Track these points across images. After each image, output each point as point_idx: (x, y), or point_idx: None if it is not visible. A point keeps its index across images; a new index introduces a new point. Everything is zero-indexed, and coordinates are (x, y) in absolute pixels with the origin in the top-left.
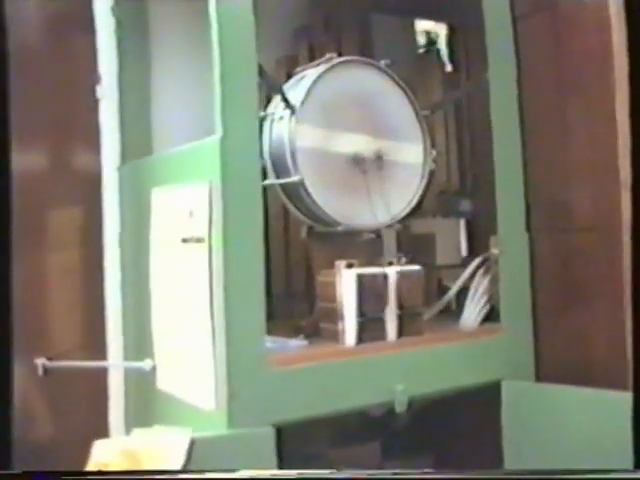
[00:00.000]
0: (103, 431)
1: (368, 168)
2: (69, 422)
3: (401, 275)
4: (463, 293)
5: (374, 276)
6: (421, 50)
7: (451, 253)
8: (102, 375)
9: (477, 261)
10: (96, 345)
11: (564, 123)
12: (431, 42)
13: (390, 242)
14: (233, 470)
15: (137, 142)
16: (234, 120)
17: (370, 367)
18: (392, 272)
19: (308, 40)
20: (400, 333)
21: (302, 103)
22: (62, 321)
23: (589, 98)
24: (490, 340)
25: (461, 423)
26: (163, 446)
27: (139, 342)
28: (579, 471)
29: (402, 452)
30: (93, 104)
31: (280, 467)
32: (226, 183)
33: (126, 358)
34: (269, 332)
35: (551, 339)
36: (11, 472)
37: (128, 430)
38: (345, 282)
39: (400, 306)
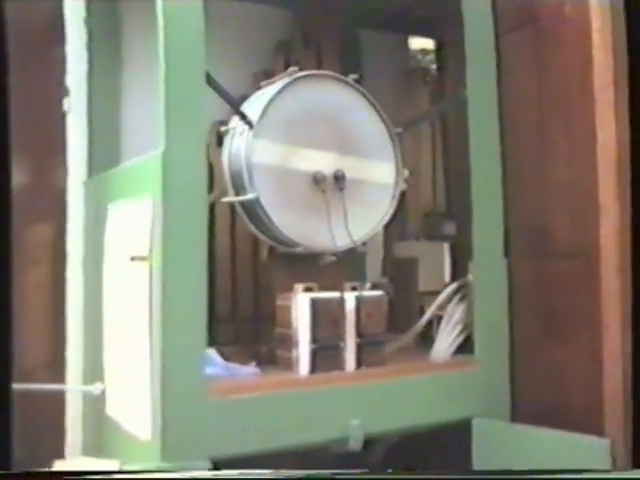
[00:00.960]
0: (61, 453)
1: (330, 187)
2: (28, 441)
3: (361, 301)
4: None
5: (329, 301)
6: (409, 66)
7: (434, 278)
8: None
9: (452, 287)
10: (62, 364)
11: (544, 142)
12: (420, 58)
13: (369, 264)
14: None
15: (105, 155)
16: (177, 133)
17: (323, 399)
18: (350, 297)
19: (286, 55)
20: (359, 363)
21: (260, 118)
22: (29, 339)
23: (569, 116)
24: (462, 373)
25: (438, 460)
26: None
27: (96, 364)
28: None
29: None
30: (61, 117)
31: None
32: (168, 199)
33: (85, 380)
34: (231, 358)
35: (527, 375)
36: (11, 472)
37: (86, 454)
38: (299, 306)
39: (359, 334)
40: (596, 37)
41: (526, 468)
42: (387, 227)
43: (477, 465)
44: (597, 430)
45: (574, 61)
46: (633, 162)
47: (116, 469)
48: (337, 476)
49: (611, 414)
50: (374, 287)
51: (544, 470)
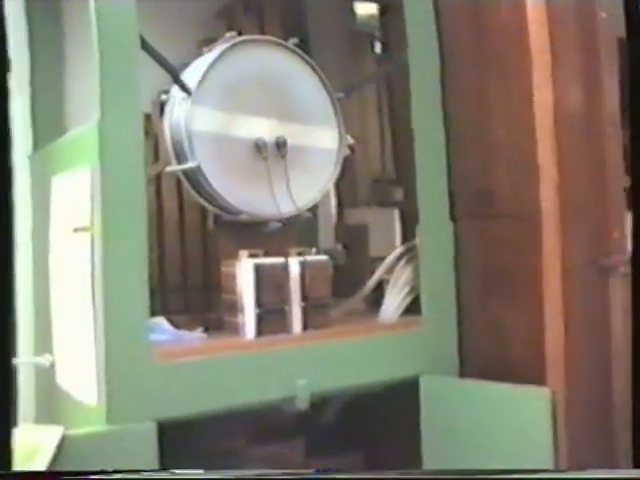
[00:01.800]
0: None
1: (272, 154)
2: None
3: (305, 266)
4: None
5: (273, 266)
6: (355, 31)
7: (385, 244)
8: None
9: (398, 251)
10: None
11: (484, 105)
12: (365, 23)
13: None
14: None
15: (49, 128)
16: (112, 101)
17: (269, 361)
18: (294, 262)
19: (228, 22)
20: (305, 326)
21: (198, 85)
22: None
23: (507, 78)
24: (410, 333)
25: (390, 418)
26: (30, 444)
27: (46, 336)
28: None
29: (328, 449)
30: None
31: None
32: (105, 169)
33: (37, 351)
34: (181, 326)
35: (473, 332)
36: (11, 472)
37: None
38: (244, 273)
39: (304, 298)
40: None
41: (473, 421)
42: (338, 194)
43: (425, 420)
44: (539, 381)
45: (510, 21)
46: (634, 162)
47: (60, 435)
48: (339, 476)
49: (552, 366)
50: (326, 253)
51: (552, 470)
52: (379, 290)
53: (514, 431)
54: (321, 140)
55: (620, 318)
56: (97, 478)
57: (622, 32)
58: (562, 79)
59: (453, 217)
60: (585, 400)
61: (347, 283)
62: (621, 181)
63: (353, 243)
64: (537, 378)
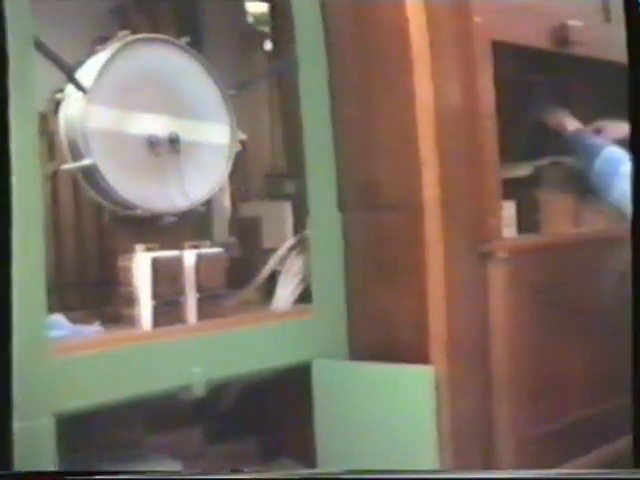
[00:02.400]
0: None
1: (165, 150)
2: None
3: (199, 258)
4: None
5: (169, 259)
6: (246, 29)
7: (278, 236)
8: None
9: (289, 243)
10: None
11: (368, 100)
12: (256, 21)
13: (216, 224)
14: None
15: None
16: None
17: (165, 351)
18: (189, 255)
19: (121, 20)
20: (200, 316)
21: (92, 83)
22: None
23: (390, 75)
24: (301, 321)
25: (285, 402)
26: None
27: None
28: None
29: (226, 436)
30: None
31: (90, 457)
32: None
33: None
34: (78, 321)
35: (362, 318)
36: (11, 472)
37: None
38: (140, 266)
39: (199, 289)
40: None
41: (363, 401)
42: (232, 188)
43: (318, 403)
44: (424, 361)
45: (392, 21)
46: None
47: None
48: (340, 476)
49: (436, 347)
50: (221, 246)
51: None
52: (272, 281)
53: (402, 408)
54: (213, 136)
55: (498, 300)
56: (100, 478)
57: (496, 35)
58: (441, 77)
59: (342, 208)
60: (467, 378)
61: (241, 274)
62: (497, 171)
63: (247, 236)
64: (422, 359)
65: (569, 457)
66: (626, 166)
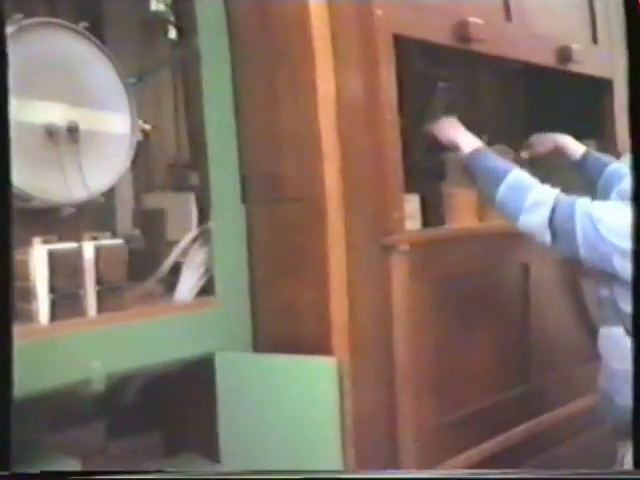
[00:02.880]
0: None
1: (64, 140)
2: None
3: (99, 250)
4: None
5: (67, 251)
6: (150, 16)
7: (182, 228)
8: None
9: (192, 234)
10: None
11: (271, 93)
12: (159, 8)
13: (120, 216)
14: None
15: None
16: None
17: (64, 346)
18: (88, 247)
19: (15, 3)
20: (100, 309)
21: None
22: None
23: (293, 68)
24: (204, 312)
25: (189, 395)
26: None
27: None
28: None
29: (128, 431)
30: None
31: None
32: None
33: None
34: None
35: (266, 310)
36: (12, 472)
37: None
38: (37, 259)
39: (99, 281)
40: None
41: (267, 392)
42: (135, 179)
43: (221, 396)
44: (327, 352)
45: (294, 14)
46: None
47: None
48: (338, 475)
49: (338, 338)
50: (124, 238)
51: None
52: (176, 273)
53: (305, 399)
54: (114, 125)
55: (401, 292)
56: (99, 478)
57: (397, 29)
58: (343, 70)
59: (245, 200)
60: (369, 368)
61: (145, 267)
62: (399, 165)
63: (150, 227)
64: (325, 350)
65: (471, 445)
66: (534, 193)
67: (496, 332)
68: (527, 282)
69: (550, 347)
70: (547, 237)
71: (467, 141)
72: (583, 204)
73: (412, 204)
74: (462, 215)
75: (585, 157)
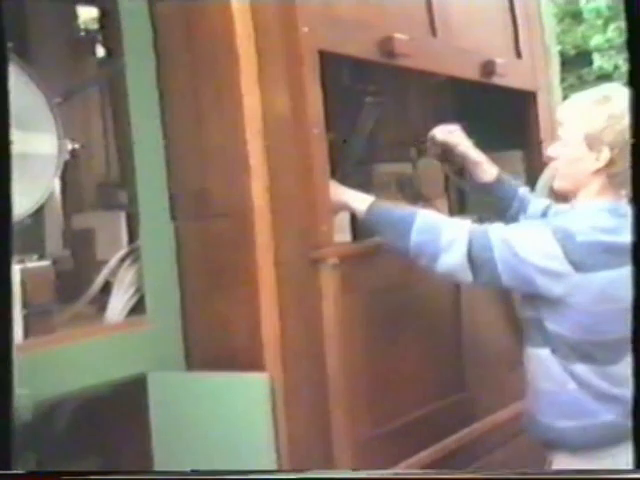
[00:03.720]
0: None
1: None
2: None
3: (25, 272)
4: None
5: None
6: (77, 35)
7: (112, 247)
8: None
9: (120, 254)
10: None
11: (198, 110)
12: (87, 27)
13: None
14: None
15: None
16: None
17: None
18: (15, 271)
19: None
20: (27, 333)
21: None
22: None
23: (219, 84)
24: (135, 332)
25: (123, 417)
26: None
27: None
28: None
29: (61, 459)
30: None
31: None
32: None
33: None
34: None
35: (197, 327)
36: (12, 472)
37: None
38: None
39: (25, 305)
40: (236, 7)
41: (200, 410)
42: (65, 199)
43: (155, 416)
44: (259, 368)
45: (219, 30)
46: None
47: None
48: (337, 476)
49: (270, 353)
50: (53, 259)
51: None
52: (107, 293)
53: (239, 415)
54: (40, 146)
55: (331, 305)
56: (97, 478)
57: (323, 45)
58: (269, 86)
59: (174, 217)
60: (302, 383)
61: (75, 288)
62: (327, 178)
63: (80, 248)
64: (257, 366)
65: (407, 455)
66: (447, 231)
67: (428, 343)
68: (458, 292)
69: (483, 355)
70: (468, 273)
71: (358, 199)
72: (497, 230)
73: (341, 217)
74: None
75: (498, 181)
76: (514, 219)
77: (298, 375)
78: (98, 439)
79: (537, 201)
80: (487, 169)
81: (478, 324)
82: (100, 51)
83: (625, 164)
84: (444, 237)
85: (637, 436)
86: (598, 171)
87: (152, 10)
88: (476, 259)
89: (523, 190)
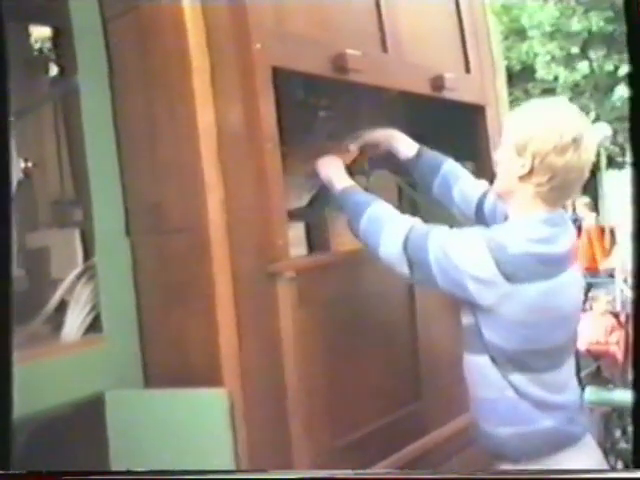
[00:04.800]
0: None
1: None
2: None
3: None
4: None
5: None
6: (30, 55)
7: (68, 265)
8: None
9: (76, 271)
10: None
11: (152, 126)
12: (40, 46)
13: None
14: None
15: None
16: None
17: None
18: None
19: None
20: None
21: None
22: None
23: (172, 100)
24: (92, 351)
25: (82, 437)
26: None
27: None
28: None
29: None
30: None
31: None
32: None
33: None
34: None
35: (155, 343)
36: (12, 472)
37: None
38: None
39: None
40: (190, 23)
41: (160, 428)
42: (19, 218)
43: (112, 435)
44: (217, 383)
45: (173, 46)
46: (634, 162)
47: None
48: (336, 476)
49: (228, 368)
50: None
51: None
52: (62, 311)
53: (199, 431)
54: None
55: (288, 319)
56: (97, 478)
57: (276, 61)
58: (223, 102)
59: (129, 233)
60: (260, 398)
61: (30, 308)
62: (282, 192)
63: (35, 267)
64: (216, 380)
65: (367, 466)
66: (390, 225)
67: (385, 353)
68: (413, 303)
69: (438, 364)
70: (405, 267)
71: (339, 179)
72: (437, 233)
73: (296, 231)
74: (347, 239)
75: (419, 155)
76: (442, 194)
77: (257, 389)
78: (56, 459)
79: (472, 181)
80: (409, 144)
81: (433, 333)
82: (54, 69)
83: (545, 176)
84: (386, 229)
85: (637, 436)
86: (523, 178)
87: (105, 28)
88: (411, 256)
89: (450, 164)
